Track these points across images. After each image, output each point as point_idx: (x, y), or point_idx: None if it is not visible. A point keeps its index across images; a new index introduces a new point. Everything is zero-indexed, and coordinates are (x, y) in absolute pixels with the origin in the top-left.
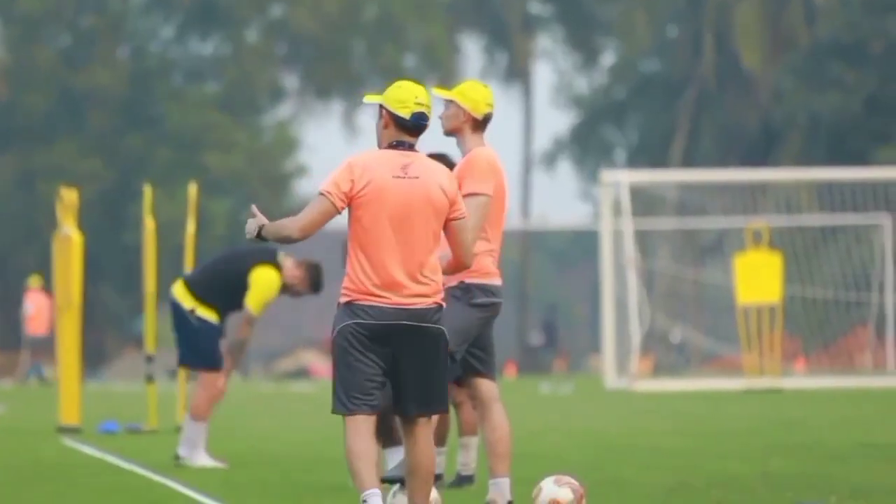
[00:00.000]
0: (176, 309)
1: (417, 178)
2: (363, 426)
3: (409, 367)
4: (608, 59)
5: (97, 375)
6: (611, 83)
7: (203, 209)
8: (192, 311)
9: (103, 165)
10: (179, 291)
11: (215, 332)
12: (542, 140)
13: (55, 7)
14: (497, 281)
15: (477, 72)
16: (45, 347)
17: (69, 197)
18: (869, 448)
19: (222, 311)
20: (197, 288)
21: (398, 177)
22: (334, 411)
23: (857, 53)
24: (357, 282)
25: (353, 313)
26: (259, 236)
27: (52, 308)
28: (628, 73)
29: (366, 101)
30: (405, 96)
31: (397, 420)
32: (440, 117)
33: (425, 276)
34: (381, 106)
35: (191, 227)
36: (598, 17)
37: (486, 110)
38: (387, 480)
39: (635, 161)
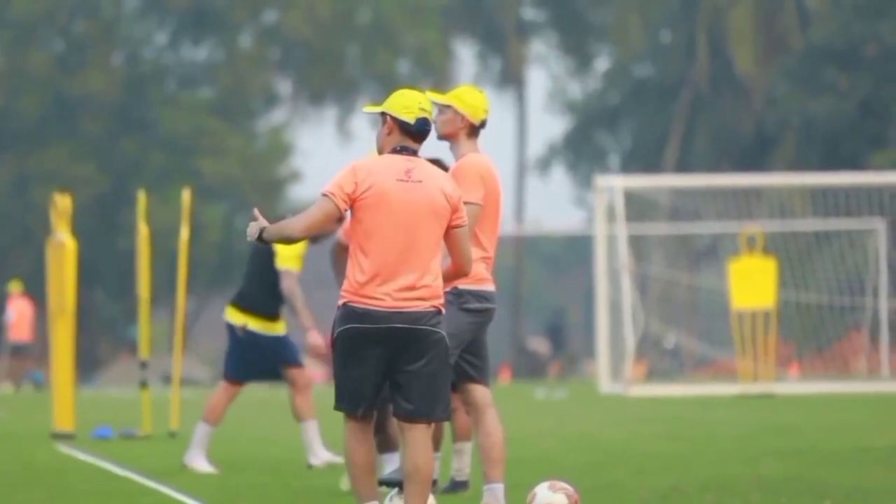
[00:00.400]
0: (230, 331)
1: (420, 182)
2: (361, 429)
3: (405, 371)
4: (602, 63)
5: (91, 381)
6: (604, 88)
7: (197, 215)
8: (245, 327)
9: (97, 171)
10: (230, 313)
11: (264, 343)
12: (536, 145)
13: (49, 12)
14: (490, 287)
15: (471, 77)
16: (28, 354)
17: (63, 202)
18: (863, 452)
19: (278, 312)
20: (243, 301)
21: (401, 180)
22: (335, 408)
23: (851, 57)
24: (355, 283)
25: (349, 316)
26: (260, 239)
27: (34, 314)
28: (622, 78)
29: (365, 111)
30: (409, 102)
31: (395, 424)
32: (434, 121)
33: (424, 280)
34: (383, 113)
35: (184, 233)
36: (591, 22)
37: (483, 116)
38: (384, 483)
39: (629, 166)
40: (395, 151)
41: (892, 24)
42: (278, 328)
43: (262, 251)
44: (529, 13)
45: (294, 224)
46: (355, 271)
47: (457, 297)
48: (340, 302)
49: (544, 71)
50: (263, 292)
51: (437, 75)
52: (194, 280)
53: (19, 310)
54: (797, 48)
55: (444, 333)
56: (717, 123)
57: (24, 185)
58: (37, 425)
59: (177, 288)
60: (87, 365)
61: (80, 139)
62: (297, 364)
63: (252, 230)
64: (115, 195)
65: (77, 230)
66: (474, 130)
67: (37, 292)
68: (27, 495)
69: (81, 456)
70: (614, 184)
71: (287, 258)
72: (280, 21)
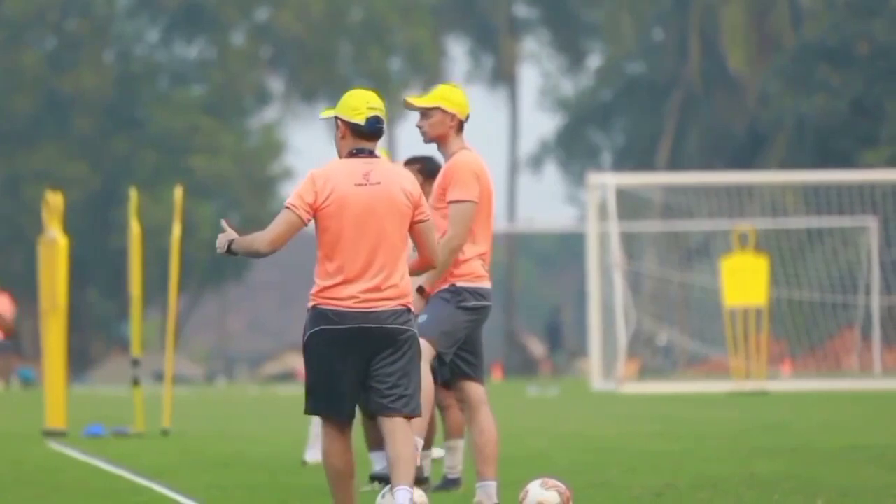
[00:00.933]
0: None
1: (379, 183)
2: (339, 433)
3: (378, 367)
4: (594, 61)
5: (83, 379)
6: (597, 86)
7: (189, 212)
8: None
9: (89, 169)
10: None
11: None
12: (529, 143)
13: (40, 10)
14: (487, 284)
15: (463, 75)
16: (6, 351)
17: (55, 200)
18: (855, 450)
19: None
20: None
21: (360, 184)
22: (306, 412)
23: (843, 56)
24: (322, 286)
25: (319, 318)
26: (229, 251)
27: (13, 311)
28: (614, 76)
29: (321, 116)
30: (356, 103)
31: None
32: (418, 126)
33: (391, 280)
34: (336, 118)
35: (176, 231)
36: (583, 20)
37: (468, 111)
38: (377, 478)
39: (621, 163)
40: (351, 155)
41: (883, 23)
42: None
43: None
44: (522, 11)
45: (260, 238)
46: (323, 276)
47: (454, 295)
48: (310, 304)
49: (537, 68)
50: None
51: (429, 73)
52: (186, 278)
53: None
54: (789, 46)
55: (415, 331)
56: (710, 121)
57: (15, 183)
58: (28, 423)
59: (169, 286)
60: (80, 363)
61: (72, 137)
62: None
63: (221, 242)
64: (108, 193)
65: (69, 228)
66: (461, 127)
67: (29, 290)
68: (18, 493)
69: (73, 454)
70: (607, 181)
71: None
72: (272, 19)
